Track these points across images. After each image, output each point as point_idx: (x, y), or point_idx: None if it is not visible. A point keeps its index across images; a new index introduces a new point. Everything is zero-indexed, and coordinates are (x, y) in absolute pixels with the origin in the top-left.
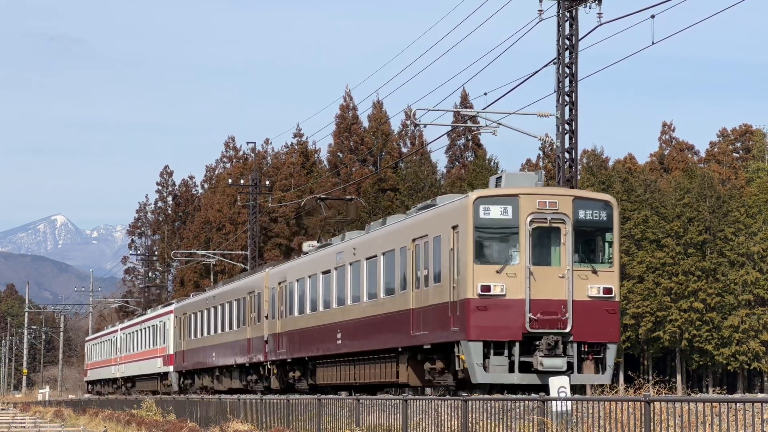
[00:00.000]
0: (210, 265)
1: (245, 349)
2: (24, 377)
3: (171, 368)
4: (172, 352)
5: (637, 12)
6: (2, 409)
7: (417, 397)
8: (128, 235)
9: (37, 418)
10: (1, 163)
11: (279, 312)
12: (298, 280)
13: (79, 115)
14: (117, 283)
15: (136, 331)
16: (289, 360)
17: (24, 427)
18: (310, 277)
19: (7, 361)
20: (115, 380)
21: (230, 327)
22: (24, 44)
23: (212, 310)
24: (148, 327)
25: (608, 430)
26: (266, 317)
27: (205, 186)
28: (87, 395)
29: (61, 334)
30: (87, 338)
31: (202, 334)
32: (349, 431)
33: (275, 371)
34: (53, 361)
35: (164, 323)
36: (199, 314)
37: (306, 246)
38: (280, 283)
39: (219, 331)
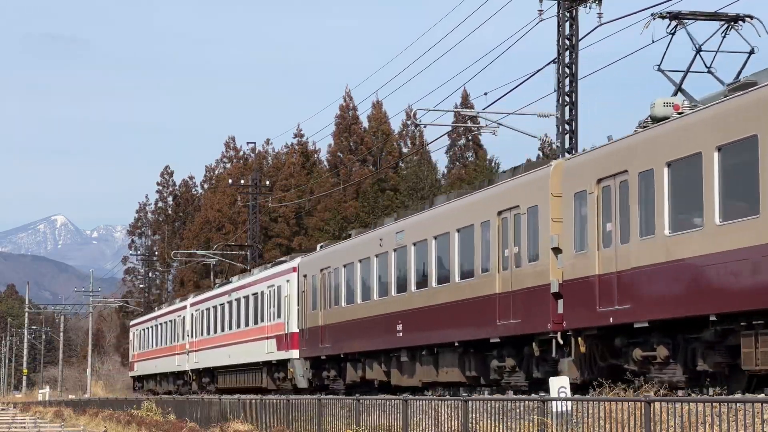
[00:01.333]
0: (210, 265)
1: (487, 314)
2: (24, 377)
3: (294, 353)
4: (295, 329)
5: (637, 12)
6: (2, 409)
7: (417, 397)
8: (128, 235)
9: (37, 418)
10: (2, 163)
11: (599, 237)
12: (674, 165)
13: (80, 115)
14: (117, 283)
15: (222, 304)
16: (649, 323)
17: (24, 427)
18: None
19: (7, 361)
20: (181, 374)
21: (440, 280)
22: (24, 44)
23: (393, 255)
24: (245, 297)
25: (608, 430)
26: (557, 250)
27: (205, 186)
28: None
29: (61, 334)
30: (133, 322)
31: (367, 297)
32: (350, 431)
33: (582, 347)
34: (53, 361)
35: (278, 289)
36: (357, 267)
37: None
38: (600, 181)
39: (413, 288)
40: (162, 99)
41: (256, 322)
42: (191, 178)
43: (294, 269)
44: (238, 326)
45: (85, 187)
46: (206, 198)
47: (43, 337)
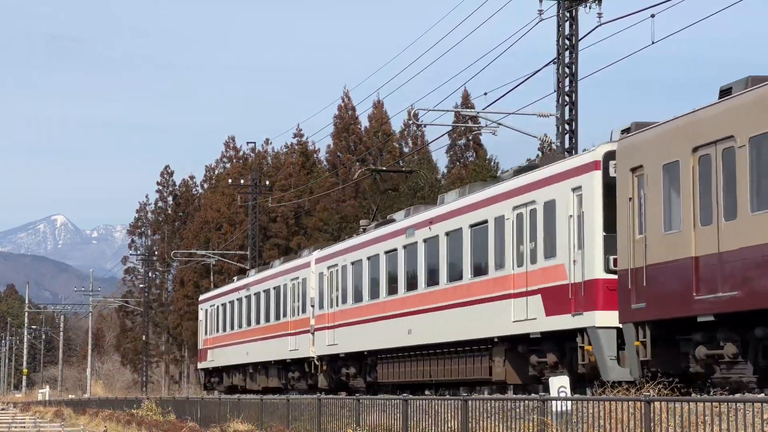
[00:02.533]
0: (209, 265)
1: None
2: (24, 377)
3: (600, 318)
4: (601, 275)
5: (637, 12)
6: (2, 409)
7: (417, 397)
8: (128, 235)
9: (37, 418)
10: (2, 163)
11: None
12: None
13: (80, 115)
14: (117, 283)
15: (390, 252)
16: None
17: (24, 427)
18: None
19: (7, 361)
20: (297, 363)
21: None
22: (25, 44)
23: None
24: (448, 234)
25: (608, 430)
26: None
27: (205, 186)
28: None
29: (61, 334)
30: (203, 297)
31: None
32: (351, 431)
33: None
34: (53, 361)
35: (546, 206)
36: None
37: None
38: None
39: None
40: (162, 99)
41: (478, 273)
42: (191, 177)
43: (596, 165)
44: (431, 283)
45: (85, 187)
46: (206, 198)
47: (43, 336)
